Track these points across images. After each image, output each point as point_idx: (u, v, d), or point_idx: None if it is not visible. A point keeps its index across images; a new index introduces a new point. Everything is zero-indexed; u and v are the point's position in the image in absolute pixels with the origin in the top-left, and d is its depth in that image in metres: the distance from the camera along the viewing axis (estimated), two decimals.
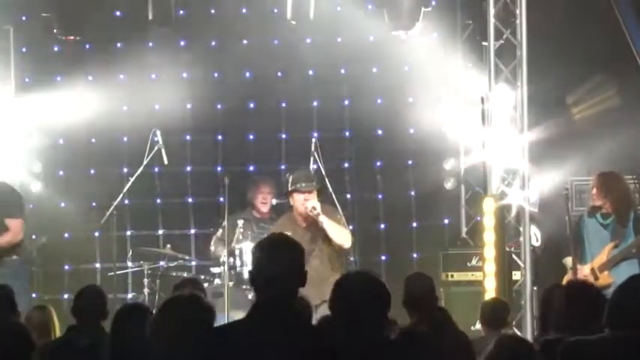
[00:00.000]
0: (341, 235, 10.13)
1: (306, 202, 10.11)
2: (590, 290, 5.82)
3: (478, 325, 8.32)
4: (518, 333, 10.46)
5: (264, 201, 11.45)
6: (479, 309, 8.27)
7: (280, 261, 4.56)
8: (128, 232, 12.64)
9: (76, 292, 6.94)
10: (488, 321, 7.99)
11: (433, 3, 11.55)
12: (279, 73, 12.77)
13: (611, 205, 10.05)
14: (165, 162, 11.51)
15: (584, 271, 9.93)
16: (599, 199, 10.10)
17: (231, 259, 10.74)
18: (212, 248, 11.39)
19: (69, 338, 6.66)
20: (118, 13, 12.54)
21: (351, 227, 11.43)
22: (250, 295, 10.21)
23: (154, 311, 5.27)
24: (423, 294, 7.32)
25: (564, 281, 10.02)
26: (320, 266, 9.95)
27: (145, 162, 11.35)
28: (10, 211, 10.32)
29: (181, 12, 12.18)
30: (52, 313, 7.56)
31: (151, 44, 12.59)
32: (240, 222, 11.04)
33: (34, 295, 11.97)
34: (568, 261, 10.10)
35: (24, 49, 12.54)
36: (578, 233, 10.13)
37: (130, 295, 11.85)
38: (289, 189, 10.28)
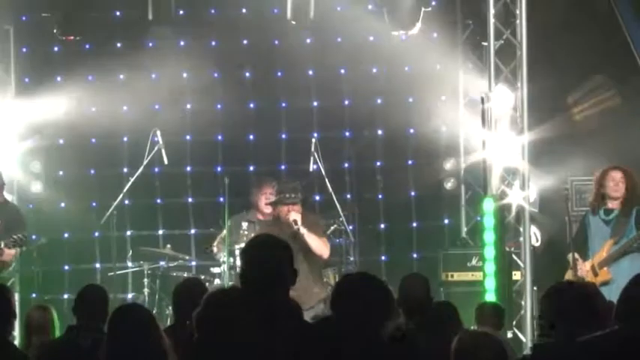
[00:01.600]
0: (320, 246, 10.35)
1: (288, 214, 10.33)
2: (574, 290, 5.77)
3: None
4: (519, 333, 10.48)
5: (267, 202, 11.44)
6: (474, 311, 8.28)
7: (267, 261, 4.55)
8: (128, 232, 12.63)
9: (77, 292, 6.93)
10: (483, 325, 7.99)
11: (433, 3, 11.55)
12: (279, 73, 12.77)
13: (624, 198, 10.00)
14: (166, 162, 11.52)
15: (585, 268, 9.94)
16: (620, 190, 10.01)
17: (231, 259, 10.75)
18: (215, 249, 11.39)
19: (70, 338, 6.65)
20: (118, 13, 12.55)
21: (350, 227, 11.45)
22: None
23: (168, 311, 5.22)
24: (417, 295, 7.31)
25: (565, 277, 10.06)
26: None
27: (145, 162, 11.36)
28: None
29: (181, 12, 12.18)
30: (52, 314, 7.54)
31: (150, 44, 12.59)
32: (245, 224, 11.08)
33: (33, 295, 11.99)
34: (569, 258, 10.10)
35: (24, 49, 12.55)
36: (582, 231, 10.14)
37: (130, 295, 11.85)
38: (274, 199, 10.52)
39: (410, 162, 12.86)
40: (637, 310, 4.81)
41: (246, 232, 11.00)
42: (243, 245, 10.66)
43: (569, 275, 10.08)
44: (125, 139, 12.68)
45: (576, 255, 10.01)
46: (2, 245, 10.38)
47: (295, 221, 10.28)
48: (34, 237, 12.00)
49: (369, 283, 4.83)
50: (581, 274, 9.91)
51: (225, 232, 11.17)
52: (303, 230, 10.26)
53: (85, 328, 6.60)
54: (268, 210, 11.40)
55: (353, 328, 4.67)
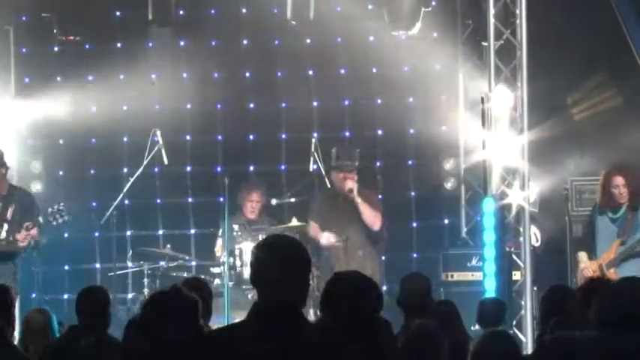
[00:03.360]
0: (371, 216, 10.75)
1: (345, 182, 10.65)
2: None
3: (478, 326, 8.30)
4: (518, 333, 10.48)
5: (252, 209, 11.50)
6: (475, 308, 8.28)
7: (290, 261, 4.45)
8: (128, 232, 12.62)
9: (78, 292, 6.93)
10: (485, 320, 7.98)
11: (433, 3, 11.54)
12: (279, 73, 12.77)
13: (630, 198, 10.03)
14: (166, 162, 11.53)
15: (593, 267, 9.96)
16: (625, 196, 10.06)
17: (231, 259, 10.76)
18: (217, 253, 11.39)
19: (71, 338, 6.65)
20: (118, 13, 12.55)
21: None
22: (250, 295, 10.24)
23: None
24: (417, 295, 7.31)
25: (579, 274, 10.09)
26: (353, 237, 10.69)
27: (145, 162, 11.37)
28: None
29: (181, 12, 12.18)
30: (50, 317, 7.51)
31: (150, 44, 12.59)
32: (236, 227, 11.16)
33: (33, 295, 11.98)
34: (580, 255, 10.12)
35: (24, 49, 12.55)
36: (589, 230, 10.18)
37: (130, 296, 11.84)
38: (331, 165, 10.67)
39: (410, 162, 12.85)
40: (615, 316, 4.77)
41: (239, 234, 11.07)
42: (241, 245, 10.78)
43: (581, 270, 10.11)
44: (125, 139, 12.68)
45: (585, 255, 10.05)
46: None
47: (351, 190, 10.48)
48: None
49: (359, 283, 4.80)
50: (587, 274, 9.94)
51: (220, 237, 11.24)
52: (357, 199, 10.54)
53: (87, 329, 6.61)
54: (252, 216, 11.49)
55: (346, 327, 4.63)
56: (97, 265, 12.54)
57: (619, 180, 10.12)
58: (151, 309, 4.60)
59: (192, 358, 4.41)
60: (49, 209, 10.82)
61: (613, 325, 4.72)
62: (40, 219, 10.76)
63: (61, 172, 12.74)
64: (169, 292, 4.77)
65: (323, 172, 11.25)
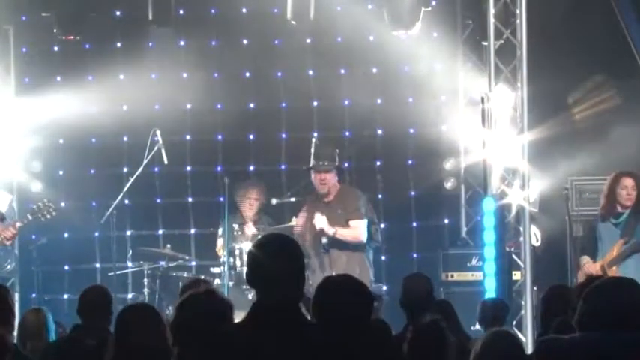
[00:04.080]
0: (355, 238, 10.47)
1: (321, 184, 10.47)
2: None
3: (478, 326, 8.31)
4: (519, 333, 10.48)
5: (251, 207, 11.49)
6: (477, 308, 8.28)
7: (287, 260, 4.45)
8: (128, 232, 12.63)
9: (81, 292, 6.94)
10: (486, 320, 7.99)
11: (433, 3, 11.54)
12: (279, 73, 12.77)
13: (638, 198, 10.05)
14: (166, 162, 11.53)
15: (596, 267, 9.97)
16: (632, 198, 10.06)
17: (231, 259, 10.77)
18: (219, 253, 11.39)
19: (74, 337, 6.66)
20: (118, 13, 12.55)
21: None
22: (250, 295, 10.23)
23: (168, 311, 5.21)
24: (419, 295, 7.32)
25: (579, 272, 10.11)
26: (335, 243, 10.46)
27: (145, 162, 11.37)
28: None
29: (181, 12, 12.18)
30: (45, 317, 7.49)
31: (151, 44, 12.60)
32: (235, 226, 11.14)
33: (33, 295, 12.00)
34: (583, 257, 10.13)
35: (24, 49, 12.55)
36: (591, 237, 10.17)
37: (130, 295, 11.84)
38: (309, 165, 10.54)
39: (410, 162, 12.84)
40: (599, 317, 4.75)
41: (239, 233, 11.07)
42: (241, 244, 10.77)
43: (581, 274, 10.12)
44: (125, 139, 12.68)
45: (588, 258, 10.05)
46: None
47: (322, 230, 10.34)
48: (34, 237, 12.04)
49: (351, 287, 4.78)
50: (587, 269, 9.96)
51: (220, 237, 11.23)
52: (331, 231, 10.38)
53: (90, 328, 6.61)
54: (251, 214, 11.47)
55: (338, 332, 4.61)
56: (97, 265, 12.54)
57: (628, 181, 10.11)
58: (187, 310, 4.63)
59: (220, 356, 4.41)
60: (34, 206, 10.87)
61: (604, 325, 4.70)
62: (30, 216, 10.81)
63: (61, 172, 12.74)
64: (204, 294, 4.79)
65: None
